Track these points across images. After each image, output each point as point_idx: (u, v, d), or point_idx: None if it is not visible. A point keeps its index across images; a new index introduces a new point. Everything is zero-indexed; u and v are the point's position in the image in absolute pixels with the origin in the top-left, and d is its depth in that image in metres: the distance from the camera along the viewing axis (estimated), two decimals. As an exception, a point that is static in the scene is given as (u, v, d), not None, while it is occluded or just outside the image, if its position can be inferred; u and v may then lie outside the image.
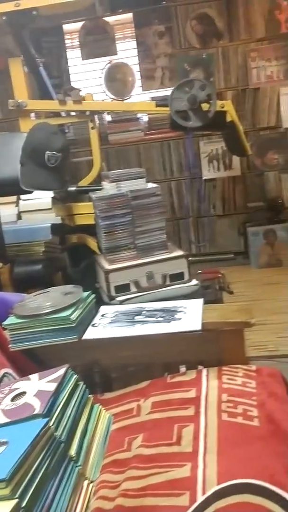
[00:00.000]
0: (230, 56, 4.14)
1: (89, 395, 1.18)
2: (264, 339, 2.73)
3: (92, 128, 2.68)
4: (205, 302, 2.73)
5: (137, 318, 1.37)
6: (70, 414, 1.05)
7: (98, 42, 4.26)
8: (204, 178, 4.31)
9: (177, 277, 2.21)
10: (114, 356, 1.36)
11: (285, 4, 3.99)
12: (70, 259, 2.71)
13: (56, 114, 3.11)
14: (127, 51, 4.37)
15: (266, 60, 4.11)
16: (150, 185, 2.16)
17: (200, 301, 1.42)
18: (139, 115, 4.25)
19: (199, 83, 2.62)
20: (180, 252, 2.20)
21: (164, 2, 4.11)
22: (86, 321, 1.38)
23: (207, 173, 4.31)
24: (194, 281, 2.23)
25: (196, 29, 4.12)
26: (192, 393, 1.17)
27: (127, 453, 1.05)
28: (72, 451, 1.00)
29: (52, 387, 1.05)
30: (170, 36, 4.18)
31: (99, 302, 1.68)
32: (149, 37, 4.21)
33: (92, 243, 2.51)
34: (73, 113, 2.74)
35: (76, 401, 1.10)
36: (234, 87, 4.18)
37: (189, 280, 2.25)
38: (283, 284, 3.67)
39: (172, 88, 2.78)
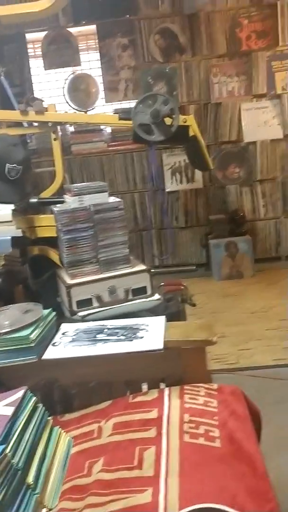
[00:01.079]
0: (192, 70, 4.21)
1: (49, 418, 1.15)
2: (225, 352, 2.76)
3: (55, 139, 2.65)
4: (168, 315, 2.73)
5: (99, 336, 1.35)
6: (28, 439, 1.01)
7: (61, 52, 4.25)
8: (167, 190, 4.34)
9: (139, 292, 2.19)
10: (75, 375, 1.33)
11: (245, 22, 4.10)
12: (31, 271, 2.65)
13: (18, 124, 3.06)
14: (90, 62, 4.37)
15: (227, 76, 4.20)
16: (113, 198, 2.15)
17: (162, 318, 1.42)
18: (102, 126, 4.25)
19: (162, 98, 2.64)
20: (142, 267, 2.19)
21: (127, 16, 4.14)
22: (46, 340, 1.35)
23: (170, 185, 4.35)
24: (157, 296, 2.22)
25: (159, 43, 4.17)
26: (153, 414, 1.15)
27: (87, 478, 1.02)
28: (30, 478, 0.97)
29: (9, 411, 1.01)
30: (133, 49, 4.21)
31: (61, 317, 1.64)
32: (113, 49, 4.23)
33: (54, 255, 2.46)
34: (35, 124, 2.69)
35: (34, 425, 1.07)
36: (196, 101, 4.25)
37: (152, 294, 2.23)
38: (244, 295, 3.73)
39: (136, 100, 2.79)
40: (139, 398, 1.23)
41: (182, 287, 3.71)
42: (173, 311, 2.98)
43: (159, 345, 1.25)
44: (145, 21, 4.15)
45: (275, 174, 4.27)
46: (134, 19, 4.16)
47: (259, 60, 4.13)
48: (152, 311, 2.44)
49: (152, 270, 3.39)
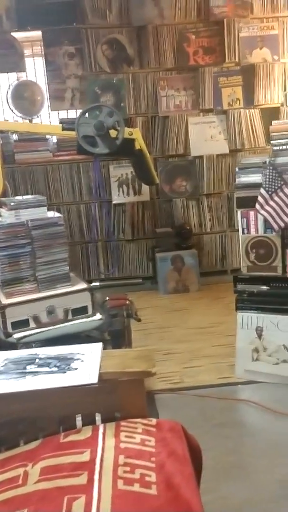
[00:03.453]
0: (140, 82, 4.18)
1: None
2: (170, 370, 2.70)
3: (-6, 148, 2.51)
4: (112, 332, 2.64)
5: (29, 367, 1.24)
6: None
7: (5, 57, 4.09)
8: (113, 202, 4.27)
9: (80, 311, 2.10)
10: (1, 412, 1.21)
11: (193, 38, 4.12)
12: None
13: None
14: (36, 69, 4.24)
15: (175, 90, 4.20)
16: (52, 213, 2.04)
17: (99, 346, 1.32)
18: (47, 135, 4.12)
19: (107, 110, 2.57)
20: (84, 285, 2.10)
21: (74, 24, 4.05)
22: None
23: (117, 197, 4.27)
24: (98, 315, 2.14)
25: (107, 54, 4.11)
26: (86, 456, 1.06)
27: (8, 535, 0.91)
28: None
29: None
30: (80, 58, 4.12)
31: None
32: (59, 57, 4.12)
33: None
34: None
35: None
36: (144, 113, 4.21)
37: (93, 314, 2.14)
38: (190, 310, 3.70)
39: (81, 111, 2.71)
40: (71, 437, 1.13)
41: (128, 302, 3.63)
42: (117, 328, 2.90)
43: (94, 378, 1.16)
44: (92, 30, 4.08)
45: (221, 189, 4.30)
46: (81, 28, 4.07)
47: (206, 75, 4.16)
48: (96, 329, 2.35)
49: (97, 284, 3.29)
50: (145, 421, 1.16)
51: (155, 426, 1.14)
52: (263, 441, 1.96)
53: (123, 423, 1.15)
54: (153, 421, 1.16)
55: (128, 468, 1.01)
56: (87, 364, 1.23)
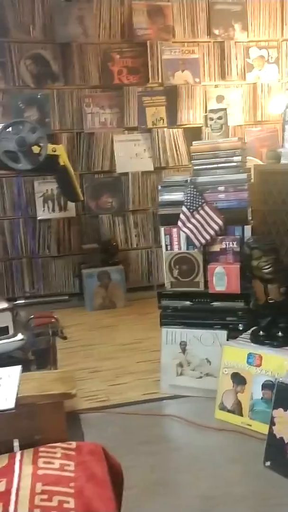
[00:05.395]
0: (65, 99, 4.17)
1: None
2: (96, 388, 2.67)
3: None
4: (37, 352, 2.57)
5: None
6: None
7: None
8: (38, 218, 4.19)
9: (0, 332, 2.02)
10: None
11: (117, 57, 4.19)
12: None
13: None
14: None
15: (100, 107, 4.23)
16: None
17: (17, 369, 1.28)
18: None
19: (29, 125, 2.54)
20: (4, 304, 2.04)
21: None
22: None
23: (42, 213, 4.20)
24: (20, 336, 2.08)
25: (31, 69, 4.07)
26: (1, 486, 1.01)
27: None
28: None
29: None
30: (3, 72, 4.04)
31: None
32: (-19, 69, 4.02)
33: None
34: None
35: None
36: (69, 129, 4.20)
37: (15, 334, 2.08)
38: (116, 327, 3.70)
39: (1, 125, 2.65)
40: (-14, 468, 1.08)
41: (54, 320, 3.56)
42: (42, 347, 2.83)
43: (11, 403, 1.12)
44: (15, 44, 4.03)
45: (147, 205, 4.37)
46: (4, 41, 4.01)
47: (130, 94, 4.24)
48: (20, 349, 2.28)
49: (21, 302, 3.21)
50: (64, 445, 1.13)
51: (74, 450, 1.12)
52: (186, 456, 1.98)
53: (41, 449, 1.12)
54: (73, 444, 1.14)
55: (45, 496, 0.98)
56: (4, 388, 1.19)
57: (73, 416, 2.34)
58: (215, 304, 2.48)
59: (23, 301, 4.19)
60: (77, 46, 4.10)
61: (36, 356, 2.50)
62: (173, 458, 1.98)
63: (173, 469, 1.91)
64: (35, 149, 2.58)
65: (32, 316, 3.34)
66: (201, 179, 2.53)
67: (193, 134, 4.18)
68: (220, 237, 2.46)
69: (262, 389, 2.10)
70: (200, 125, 4.31)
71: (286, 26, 4.47)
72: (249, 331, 2.35)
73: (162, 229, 2.57)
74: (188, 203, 2.44)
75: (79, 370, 2.92)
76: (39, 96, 4.08)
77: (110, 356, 3.13)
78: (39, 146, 2.55)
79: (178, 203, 2.50)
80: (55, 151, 2.78)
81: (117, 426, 2.26)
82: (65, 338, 3.51)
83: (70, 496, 0.98)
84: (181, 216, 2.45)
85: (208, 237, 2.44)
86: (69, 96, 4.18)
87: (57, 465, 1.07)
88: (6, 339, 2.03)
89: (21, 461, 1.09)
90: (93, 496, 0.98)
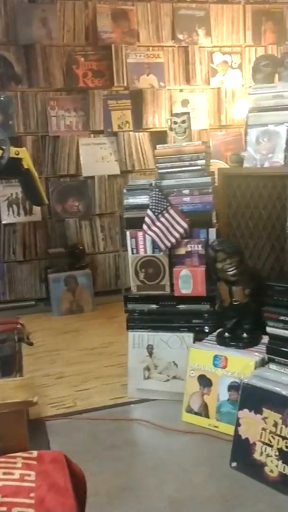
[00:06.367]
0: (29, 101, 4.12)
1: None
2: (62, 395, 2.63)
3: None
4: (2, 358, 2.51)
5: None
6: None
7: None
8: (3, 222, 4.12)
9: None
10: None
11: (82, 60, 4.17)
12: None
13: None
14: None
15: (65, 110, 4.20)
16: None
17: (-23, 378, 1.25)
18: None
19: (-9, 128, 2.49)
20: None
21: None
22: None
23: (7, 217, 4.13)
24: (-19, 343, 2.02)
25: (-7, 70, 4.00)
26: None
27: None
28: None
29: None
30: None
31: None
32: None
33: None
34: None
35: None
36: (34, 132, 4.15)
37: (-23, 342, 2.02)
38: (84, 331, 3.66)
39: None
40: None
41: (19, 325, 3.49)
42: (8, 353, 2.78)
43: None
44: (-23, 45, 3.96)
45: (113, 209, 4.35)
46: None
47: (95, 98, 4.22)
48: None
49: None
50: (25, 455, 1.10)
51: (36, 459, 1.10)
52: (152, 460, 1.98)
53: (1, 459, 1.09)
54: (34, 453, 1.12)
55: (4, 508, 0.95)
56: None
57: (39, 423, 2.30)
58: (181, 307, 2.49)
59: (-13, 307, 4.13)
60: (41, 48, 4.05)
61: (1, 362, 2.44)
62: (139, 463, 1.97)
63: (139, 474, 1.89)
64: (-2, 152, 2.54)
65: (-4, 323, 3.27)
66: (165, 182, 2.53)
67: (159, 137, 4.19)
68: (185, 240, 2.47)
69: (228, 391, 2.12)
70: (166, 129, 4.33)
71: (249, 32, 4.55)
72: (215, 333, 2.37)
73: (127, 233, 2.57)
74: (153, 207, 2.44)
75: (45, 376, 2.88)
76: (2, 98, 4.01)
77: (77, 361, 3.10)
78: (1, 149, 2.51)
79: (143, 207, 2.50)
80: (18, 154, 2.74)
81: (83, 432, 2.24)
82: (31, 344, 3.45)
83: (31, 506, 0.96)
84: (146, 219, 2.45)
85: (173, 240, 2.45)
86: (33, 99, 4.13)
87: (17, 476, 1.04)
88: None
89: (-21, 472, 1.05)
90: (54, 505, 0.96)
